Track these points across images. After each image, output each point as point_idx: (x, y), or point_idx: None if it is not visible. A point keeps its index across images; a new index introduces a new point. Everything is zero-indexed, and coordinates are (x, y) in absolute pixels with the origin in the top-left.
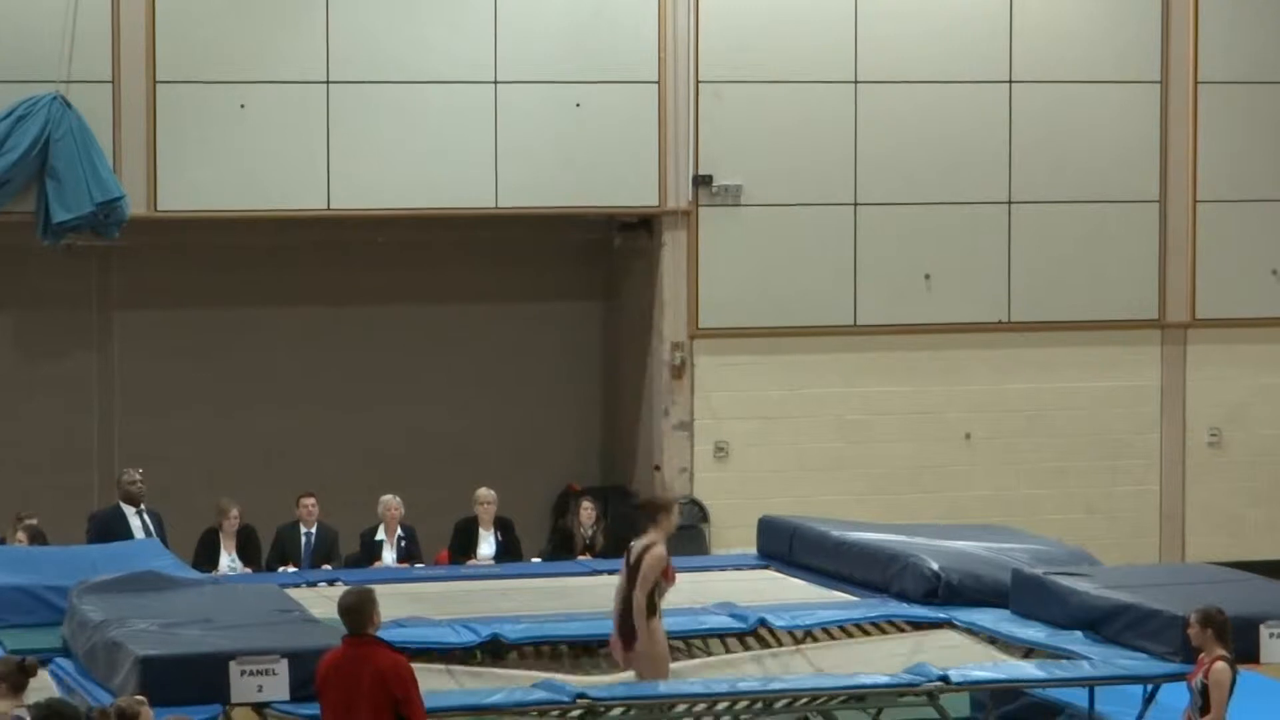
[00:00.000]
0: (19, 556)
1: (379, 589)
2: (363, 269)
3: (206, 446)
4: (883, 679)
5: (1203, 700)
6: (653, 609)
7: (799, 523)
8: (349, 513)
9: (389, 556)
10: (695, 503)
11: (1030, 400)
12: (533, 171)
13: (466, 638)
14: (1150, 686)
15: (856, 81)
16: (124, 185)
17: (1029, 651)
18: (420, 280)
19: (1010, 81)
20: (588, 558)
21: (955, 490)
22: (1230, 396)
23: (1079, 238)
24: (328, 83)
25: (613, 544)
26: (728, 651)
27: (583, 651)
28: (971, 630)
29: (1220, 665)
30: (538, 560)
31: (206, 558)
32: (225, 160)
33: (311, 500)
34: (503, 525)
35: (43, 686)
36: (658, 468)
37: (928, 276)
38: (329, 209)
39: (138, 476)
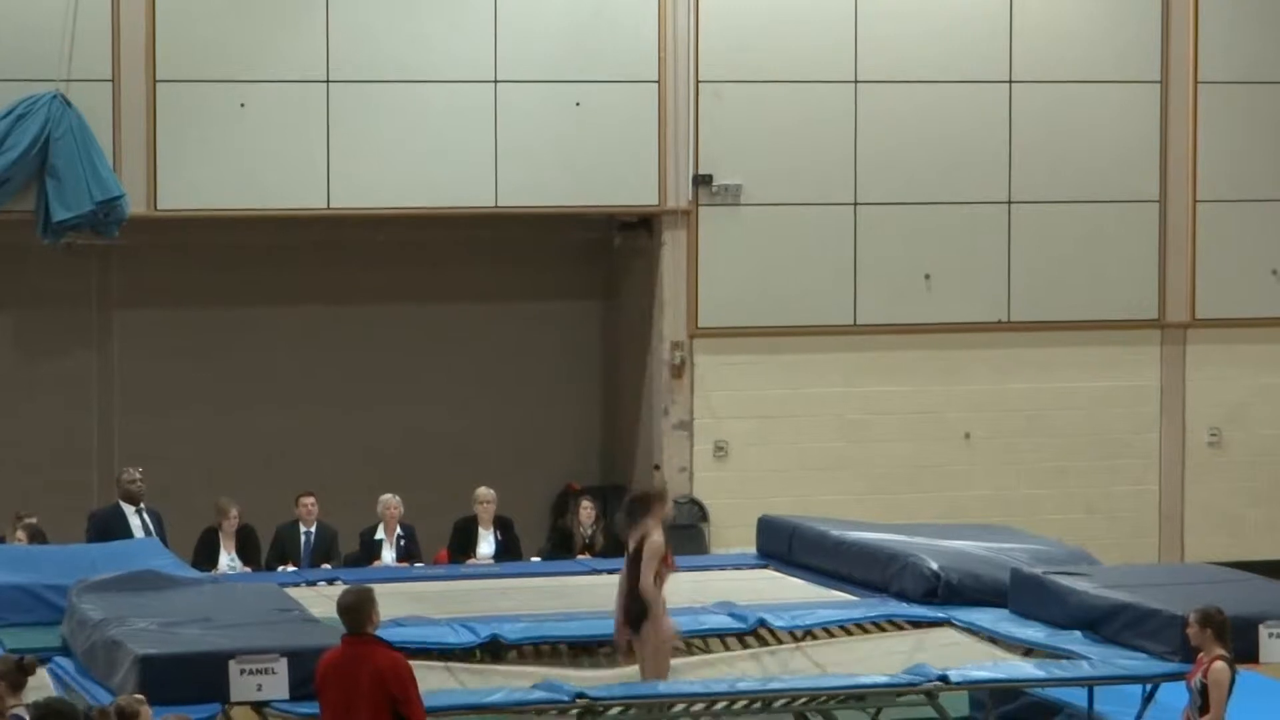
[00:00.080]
0: (18, 555)
1: (378, 588)
2: (362, 268)
3: (206, 446)
4: (882, 679)
5: (1202, 700)
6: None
7: (798, 522)
8: (348, 512)
9: (388, 556)
10: (695, 502)
11: (1030, 400)
12: (533, 171)
13: (466, 637)
14: (1149, 686)
15: (856, 81)
16: (124, 184)
17: (1028, 651)
18: (420, 279)
19: (1010, 81)
20: (587, 557)
21: (955, 490)
22: (1230, 396)
23: (1079, 237)
24: (328, 82)
25: (612, 543)
26: (727, 651)
27: (582, 651)
28: (971, 630)
29: (1219, 665)
30: (537, 559)
31: (206, 557)
32: (225, 159)
33: (311, 499)
34: (502, 524)
35: (41, 685)
36: (657, 467)
37: (927, 276)
38: (329, 208)
39: (137, 475)
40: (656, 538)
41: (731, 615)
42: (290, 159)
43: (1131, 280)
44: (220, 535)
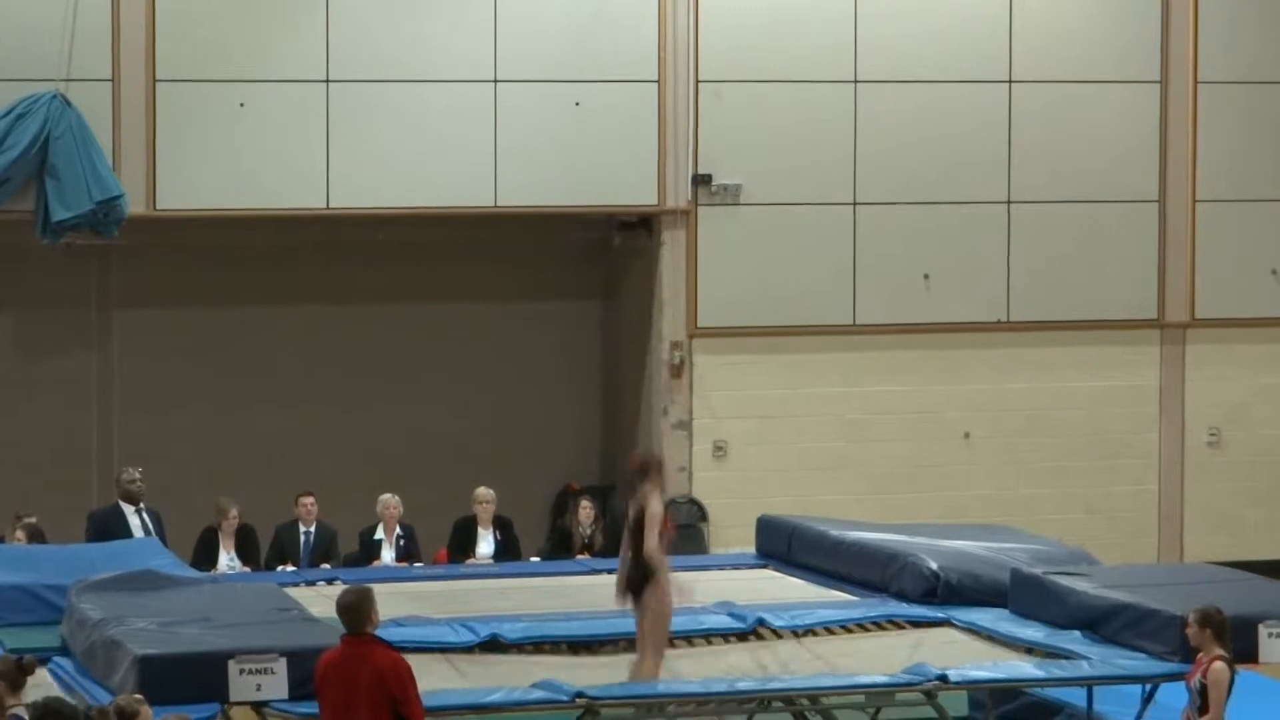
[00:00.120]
0: (18, 555)
1: (378, 588)
2: (362, 268)
3: (206, 445)
4: (881, 678)
5: (1201, 700)
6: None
7: (798, 522)
8: (348, 512)
9: (388, 555)
10: (694, 502)
11: (1029, 400)
12: (532, 170)
13: (465, 637)
14: (1149, 686)
15: (856, 81)
16: (123, 184)
17: (1028, 651)
18: (419, 279)
19: (1010, 81)
20: (586, 557)
21: (954, 490)
22: (1229, 396)
23: (1078, 237)
24: (327, 81)
25: (611, 543)
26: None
27: (583, 649)
28: (970, 630)
29: (1219, 665)
30: (536, 559)
31: (205, 557)
32: (225, 159)
33: (310, 499)
34: (501, 524)
35: (42, 684)
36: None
37: (927, 276)
38: (328, 208)
39: (137, 475)
40: (656, 504)
41: (731, 615)
42: (290, 159)
43: (1131, 280)
44: (220, 535)
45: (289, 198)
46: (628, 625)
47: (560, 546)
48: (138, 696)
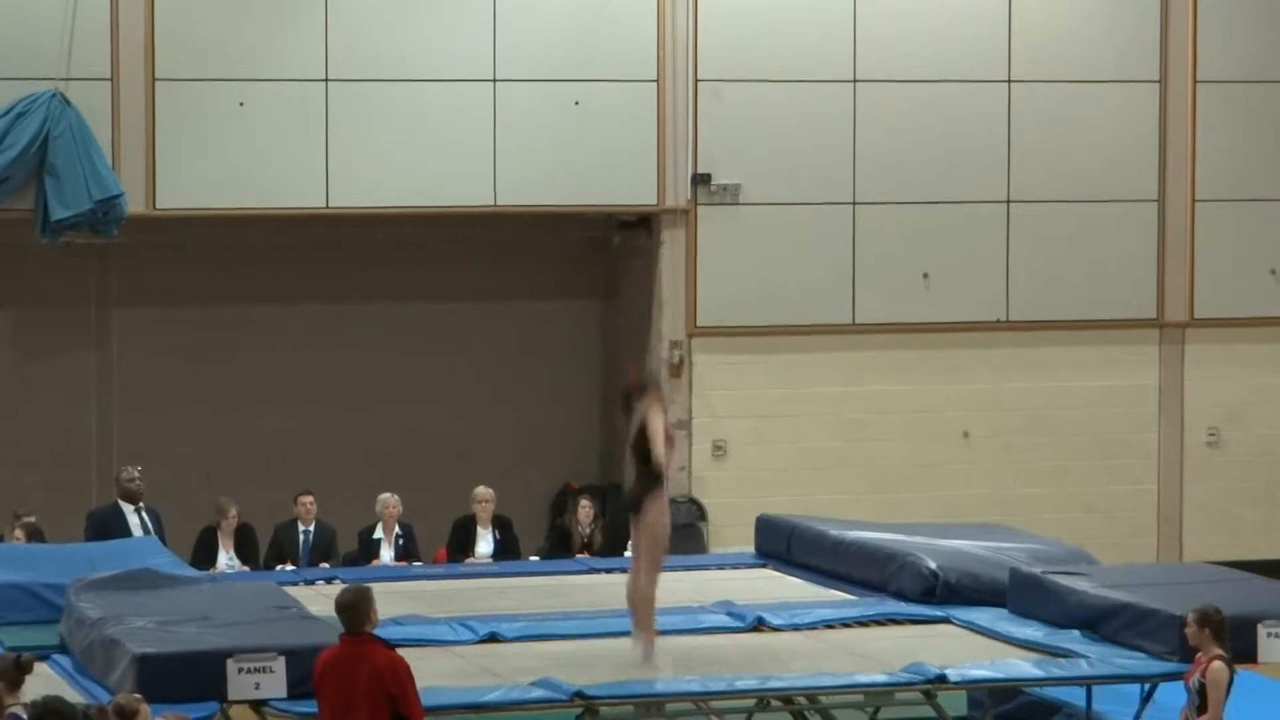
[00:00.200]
0: (17, 554)
1: (377, 587)
2: (361, 267)
3: (205, 445)
4: (880, 677)
5: (1200, 699)
6: (660, 479)
7: (797, 521)
8: (347, 511)
9: (387, 555)
10: (693, 501)
11: (1028, 399)
12: (531, 170)
13: (464, 636)
14: (1148, 686)
15: (855, 81)
16: (123, 183)
17: (1027, 650)
18: (419, 279)
19: (1009, 81)
20: (586, 556)
21: (953, 489)
22: (1228, 396)
23: (1077, 237)
24: (326, 81)
25: (611, 542)
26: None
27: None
28: (969, 629)
29: (1218, 665)
30: (536, 559)
31: (204, 556)
32: (224, 158)
33: (310, 498)
34: (501, 523)
35: (46, 682)
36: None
37: (926, 276)
38: (328, 207)
39: (136, 474)
40: (657, 417)
41: (730, 614)
42: (289, 158)
43: (1130, 280)
44: (219, 534)
45: (288, 197)
46: (626, 626)
47: (559, 546)
48: (136, 695)
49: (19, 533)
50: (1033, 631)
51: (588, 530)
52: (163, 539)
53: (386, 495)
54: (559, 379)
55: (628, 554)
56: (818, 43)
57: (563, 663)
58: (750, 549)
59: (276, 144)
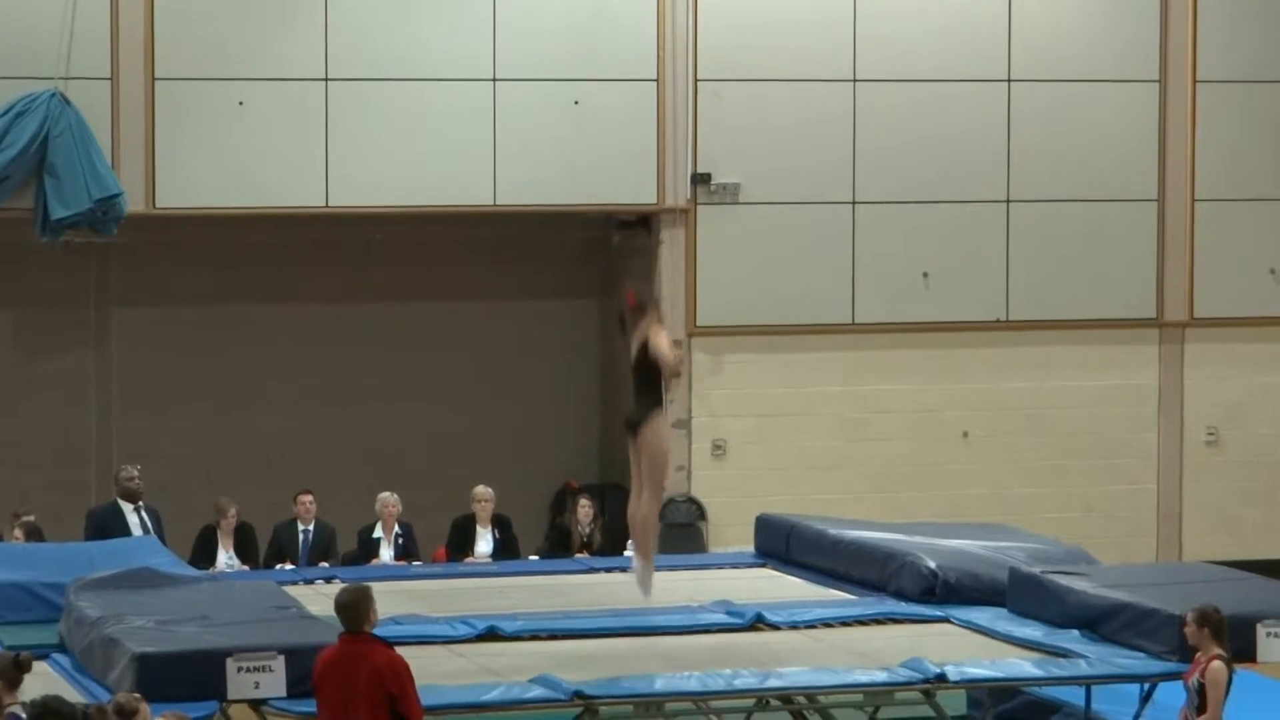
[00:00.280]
0: (16, 553)
1: (376, 586)
2: (361, 267)
3: (204, 444)
4: (880, 676)
5: (1199, 699)
6: (660, 402)
7: (796, 521)
8: (347, 510)
9: (386, 554)
10: (693, 501)
11: (1028, 399)
12: (531, 169)
13: (464, 635)
14: (1147, 685)
15: (855, 80)
16: (122, 182)
17: (1026, 650)
18: (418, 278)
19: (1009, 80)
20: (585, 555)
21: (953, 489)
22: (1228, 396)
23: (1077, 237)
24: (326, 80)
25: (610, 542)
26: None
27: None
28: (969, 628)
29: (1217, 664)
30: (535, 558)
31: (204, 555)
32: (223, 157)
33: (309, 497)
34: (500, 523)
35: (45, 681)
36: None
37: (926, 275)
38: (327, 206)
39: (135, 473)
40: (659, 335)
41: (729, 614)
42: (289, 157)
43: (1130, 279)
44: (218, 533)
45: (288, 196)
46: (625, 625)
47: (559, 545)
48: (136, 694)
49: (18, 532)
50: (1032, 631)
51: (587, 529)
52: (162, 538)
53: (386, 494)
54: (558, 378)
55: (627, 553)
56: (817, 42)
57: (562, 662)
58: (750, 548)
59: (276, 143)
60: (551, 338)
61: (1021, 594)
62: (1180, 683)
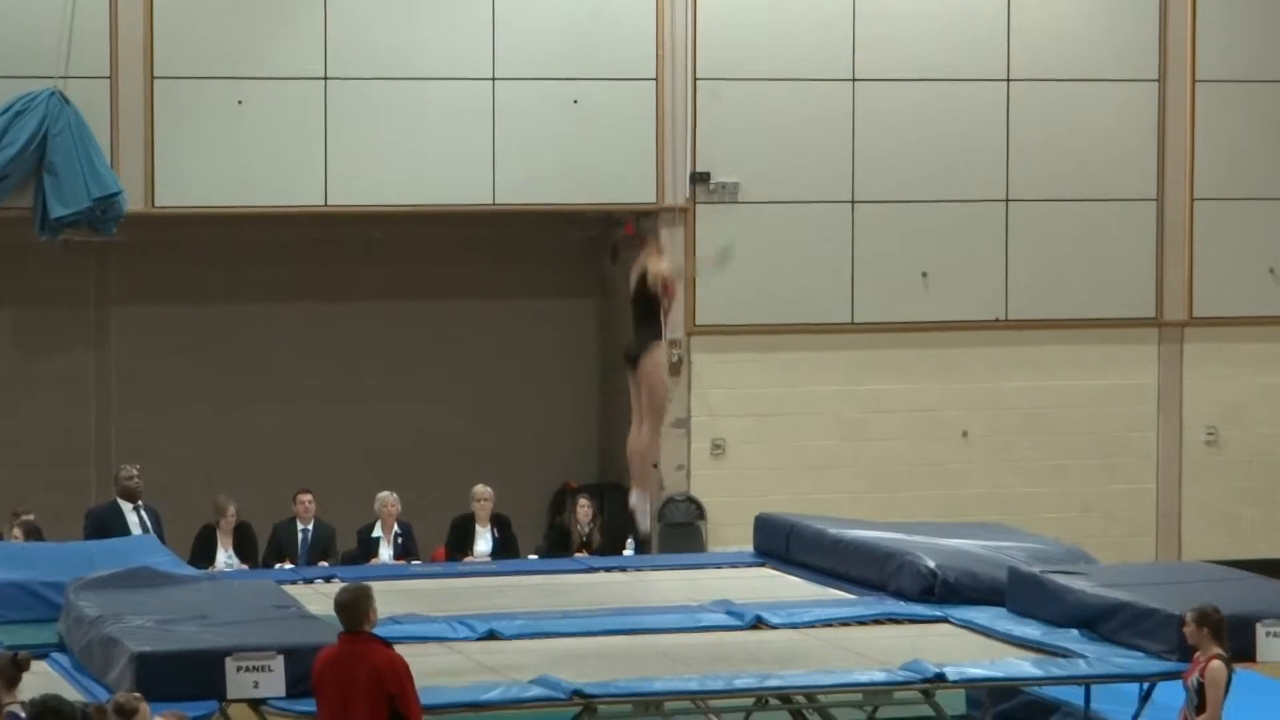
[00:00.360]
0: (15, 552)
1: (376, 586)
2: (360, 266)
3: (204, 443)
4: (879, 676)
5: (1199, 699)
6: (658, 334)
7: (796, 520)
8: (346, 509)
9: (386, 553)
10: (692, 500)
11: (1027, 398)
12: (530, 168)
13: (463, 634)
14: (1146, 685)
15: (854, 79)
16: (121, 181)
17: (1026, 649)
18: (418, 277)
19: (1008, 80)
20: (584, 555)
21: (952, 488)
22: (1227, 395)
23: (1076, 236)
24: (325, 79)
25: (609, 541)
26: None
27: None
28: (968, 628)
29: (1216, 664)
30: (534, 557)
31: (203, 554)
32: (223, 156)
33: (308, 497)
34: (499, 522)
35: (45, 680)
36: (655, 465)
37: (925, 274)
38: (326, 205)
39: (135, 473)
40: (658, 264)
41: (729, 613)
42: (288, 156)
43: (1129, 279)
44: (218, 533)
45: (287, 195)
46: (624, 624)
47: (558, 544)
48: (135, 694)
49: (18, 531)
50: (1031, 630)
51: (586, 529)
52: (161, 537)
53: (385, 494)
54: (558, 378)
55: (627, 552)
56: (817, 41)
57: (561, 661)
58: (749, 548)
59: (275, 142)
60: (551, 337)
61: (1021, 594)
62: (1179, 682)
